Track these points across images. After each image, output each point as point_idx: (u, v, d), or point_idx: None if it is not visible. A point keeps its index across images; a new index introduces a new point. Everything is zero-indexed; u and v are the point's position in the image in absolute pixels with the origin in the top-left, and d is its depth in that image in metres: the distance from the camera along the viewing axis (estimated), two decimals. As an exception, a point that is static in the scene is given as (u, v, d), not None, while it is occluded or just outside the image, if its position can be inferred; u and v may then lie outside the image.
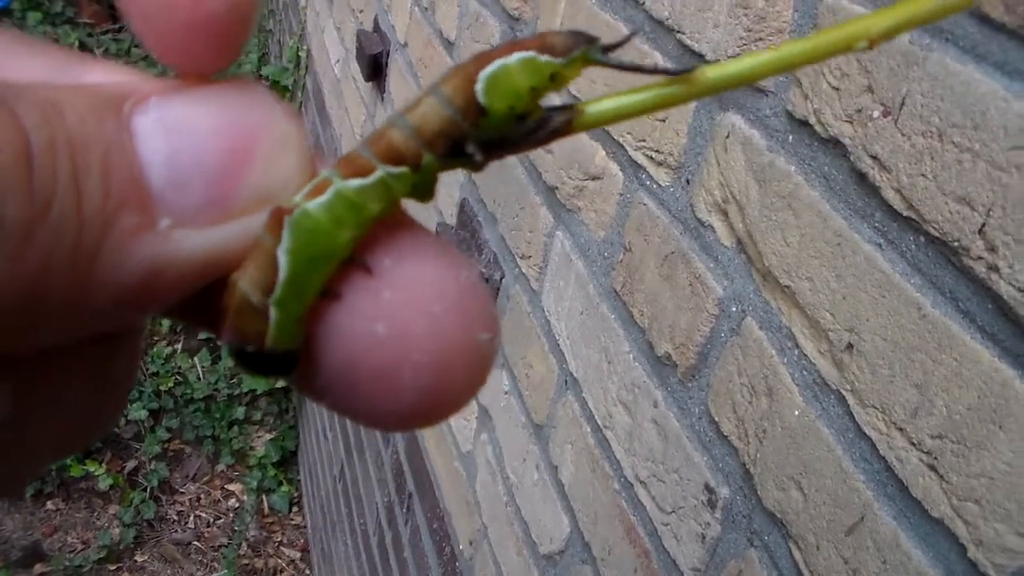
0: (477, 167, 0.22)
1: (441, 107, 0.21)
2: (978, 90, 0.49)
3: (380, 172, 0.20)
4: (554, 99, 0.24)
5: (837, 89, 0.60)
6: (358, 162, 0.20)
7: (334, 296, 0.20)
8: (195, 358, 3.09)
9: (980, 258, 0.49)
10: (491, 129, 0.21)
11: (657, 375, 0.82)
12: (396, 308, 0.19)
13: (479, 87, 0.21)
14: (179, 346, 3.16)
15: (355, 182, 0.19)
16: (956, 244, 0.50)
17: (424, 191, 0.21)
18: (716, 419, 0.72)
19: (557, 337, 1.03)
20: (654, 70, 0.22)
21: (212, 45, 0.19)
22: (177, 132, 0.18)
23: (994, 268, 0.48)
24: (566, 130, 0.22)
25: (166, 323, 3.19)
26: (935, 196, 0.52)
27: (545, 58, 0.21)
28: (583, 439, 0.95)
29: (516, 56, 0.21)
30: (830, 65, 0.60)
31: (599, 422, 0.92)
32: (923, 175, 0.53)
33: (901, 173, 0.54)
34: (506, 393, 1.19)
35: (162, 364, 3.07)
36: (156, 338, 3.19)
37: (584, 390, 0.96)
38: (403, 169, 0.20)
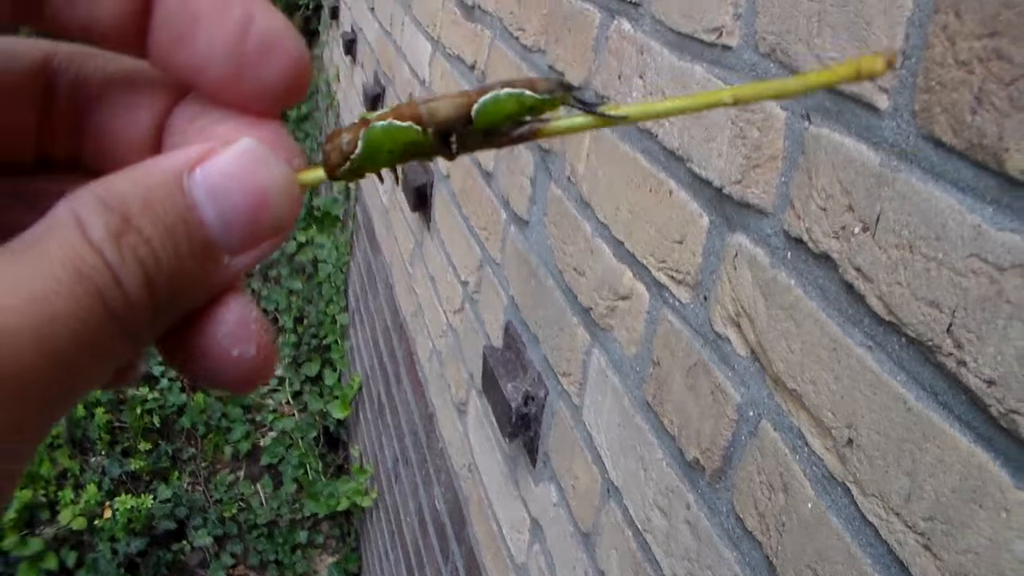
0: (450, 155, 0.32)
1: (449, 108, 0.31)
2: (938, 205, 0.56)
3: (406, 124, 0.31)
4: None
5: (824, 209, 0.67)
6: (401, 111, 0.31)
7: None
8: (257, 484, 3.16)
9: (950, 354, 0.55)
10: (476, 133, 0.31)
11: (688, 479, 0.87)
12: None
13: (475, 107, 0.31)
14: (241, 473, 3.24)
15: (389, 121, 0.31)
16: (930, 343, 0.57)
17: (430, 149, 0.32)
18: (741, 516, 0.77)
19: (598, 448, 1.09)
20: (590, 109, 0.31)
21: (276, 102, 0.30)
22: (220, 199, 0.27)
23: (963, 363, 0.54)
24: (531, 136, 0.32)
25: (228, 451, 3.28)
26: (910, 301, 0.58)
27: (529, 93, 0.31)
28: (626, 544, 1.00)
29: (506, 91, 0.31)
30: (817, 188, 0.68)
31: (639, 526, 0.97)
32: (899, 283, 0.59)
33: (881, 282, 0.61)
34: (555, 505, 1.24)
35: (225, 491, 3.15)
36: (219, 466, 3.28)
37: (624, 497, 1.01)
38: (416, 127, 0.31)
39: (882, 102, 0.62)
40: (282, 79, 0.29)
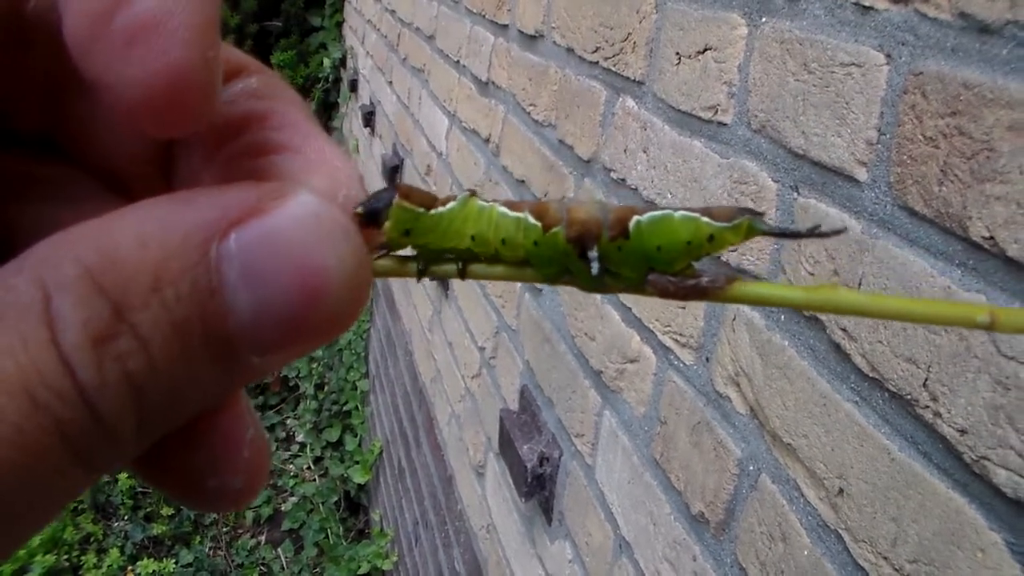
0: (589, 278, 0.25)
1: (594, 210, 0.24)
2: (912, 269, 0.61)
3: (523, 215, 0.25)
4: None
5: (812, 274, 0.72)
6: (518, 206, 0.25)
7: None
8: (279, 549, 3.19)
9: (927, 407, 0.59)
10: (629, 257, 0.24)
11: (694, 532, 0.91)
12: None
13: (637, 218, 0.24)
14: (263, 538, 3.27)
15: (503, 211, 0.25)
16: (909, 397, 0.61)
17: (553, 257, 0.25)
18: (744, 566, 0.81)
19: (610, 505, 1.13)
20: (809, 234, 0.25)
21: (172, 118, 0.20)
22: (259, 282, 0.19)
23: (938, 414, 0.59)
24: (712, 293, 0.25)
25: (250, 516, 3.31)
26: (890, 359, 0.63)
27: (706, 220, 0.24)
28: (637, 598, 1.04)
29: (681, 213, 0.24)
30: (805, 254, 0.73)
31: (649, 581, 1.01)
32: (880, 342, 0.64)
33: (864, 341, 0.66)
34: (570, 562, 1.27)
35: (247, 555, 3.17)
36: (241, 531, 3.31)
37: (635, 551, 1.05)
38: (538, 224, 0.24)
39: (862, 175, 0.67)
40: (144, 88, 0.19)
